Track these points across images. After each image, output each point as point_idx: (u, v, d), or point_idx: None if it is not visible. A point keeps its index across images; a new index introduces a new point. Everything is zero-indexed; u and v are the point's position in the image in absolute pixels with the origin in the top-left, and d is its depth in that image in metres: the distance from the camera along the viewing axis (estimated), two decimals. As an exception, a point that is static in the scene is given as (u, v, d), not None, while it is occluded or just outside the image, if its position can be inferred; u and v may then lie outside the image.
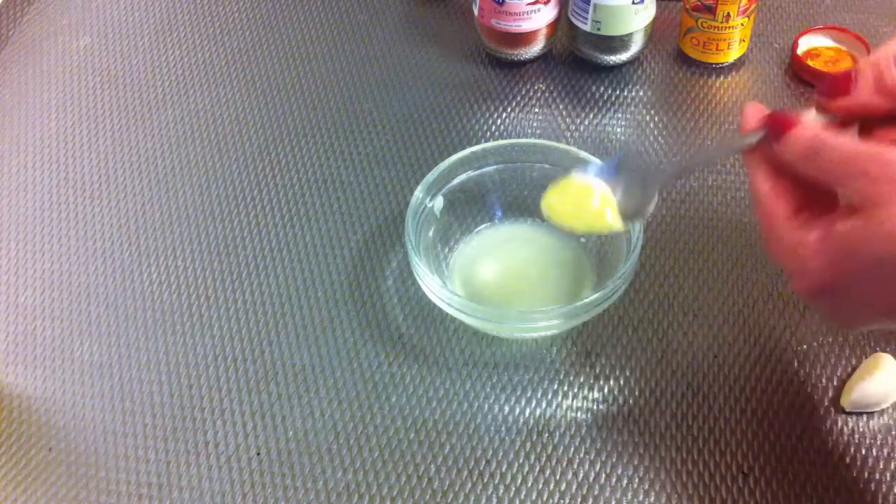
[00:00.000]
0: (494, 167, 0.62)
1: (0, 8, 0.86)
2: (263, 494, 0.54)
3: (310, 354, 0.60)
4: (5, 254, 0.67)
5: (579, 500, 0.53)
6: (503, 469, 0.55)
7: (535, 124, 0.73)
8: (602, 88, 0.75)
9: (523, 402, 0.57)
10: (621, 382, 0.58)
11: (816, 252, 0.41)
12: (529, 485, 0.54)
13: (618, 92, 0.74)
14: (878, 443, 0.54)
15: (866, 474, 0.53)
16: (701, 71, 0.75)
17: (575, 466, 0.54)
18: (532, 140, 0.66)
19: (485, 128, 0.72)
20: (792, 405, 0.56)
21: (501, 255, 0.63)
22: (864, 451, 0.54)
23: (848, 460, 0.54)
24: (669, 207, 0.66)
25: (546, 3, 0.72)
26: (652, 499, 0.53)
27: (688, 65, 0.76)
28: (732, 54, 0.74)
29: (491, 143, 0.62)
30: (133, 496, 0.55)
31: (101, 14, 0.85)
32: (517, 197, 0.63)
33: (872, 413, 0.55)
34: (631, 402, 0.57)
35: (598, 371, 0.58)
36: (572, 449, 0.55)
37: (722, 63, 0.75)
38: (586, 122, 0.72)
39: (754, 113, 0.45)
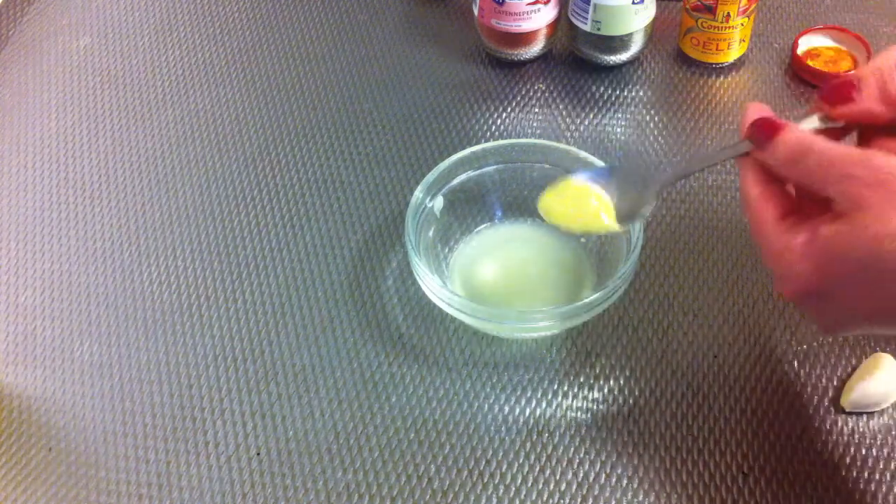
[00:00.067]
0: (494, 167, 0.62)
1: (0, 8, 0.86)
2: (263, 494, 0.54)
3: (310, 354, 0.60)
4: (5, 254, 0.67)
5: (579, 500, 0.53)
6: (503, 469, 0.55)
7: (535, 124, 0.73)
8: (602, 88, 0.75)
9: (523, 402, 0.57)
10: (621, 382, 0.58)
11: (802, 256, 0.41)
12: (529, 485, 0.54)
13: (618, 92, 0.74)
14: (878, 443, 0.54)
15: (866, 474, 0.53)
16: (701, 71, 0.75)
17: (575, 466, 0.54)
18: (532, 140, 0.66)
19: (485, 128, 0.72)
20: (792, 405, 0.56)
21: (501, 255, 0.63)
22: (864, 451, 0.54)
23: (848, 460, 0.54)
24: (669, 207, 0.66)
25: (546, 3, 0.72)
26: (651, 499, 0.53)
27: (688, 65, 0.76)
28: (732, 54, 0.74)
29: (491, 143, 0.62)
30: (133, 496, 0.55)
31: (101, 14, 0.85)
32: (517, 197, 0.63)
33: (872, 413, 0.55)
34: (631, 402, 0.57)
35: (598, 371, 0.58)
36: (572, 449, 0.55)
37: (722, 63, 0.75)
38: (586, 122, 0.72)
39: (754, 113, 0.46)
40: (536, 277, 0.62)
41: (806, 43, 0.75)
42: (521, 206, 0.63)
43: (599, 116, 0.73)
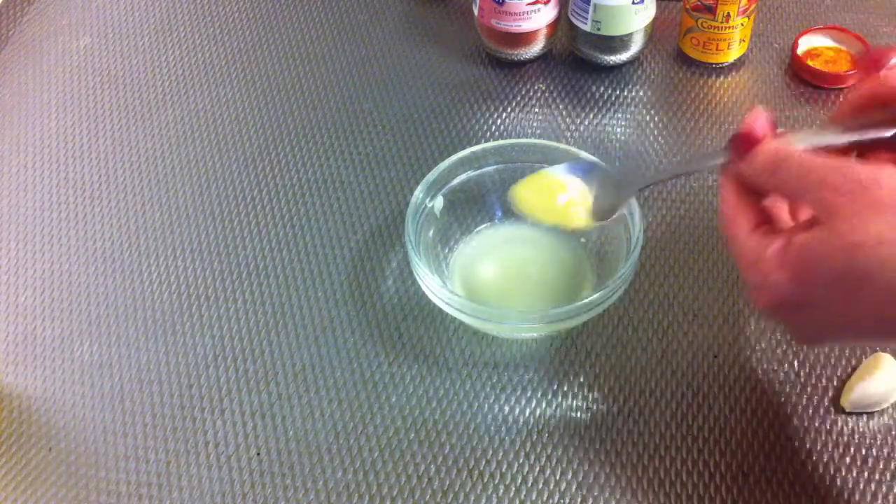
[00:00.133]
0: (494, 167, 0.62)
1: (0, 8, 0.86)
2: (263, 494, 0.54)
3: (310, 354, 0.60)
4: (5, 254, 0.67)
5: (579, 500, 0.53)
6: (503, 469, 0.55)
7: (535, 124, 0.73)
8: (602, 88, 0.75)
9: (523, 402, 0.57)
10: (621, 382, 0.58)
11: (777, 264, 0.41)
12: (529, 485, 0.54)
13: (618, 92, 0.74)
14: (878, 443, 0.54)
15: (866, 474, 0.53)
16: (701, 71, 0.75)
17: (575, 466, 0.54)
18: (532, 140, 0.66)
19: (485, 128, 0.72)
20: (792, 405, 0.56)
21: (501, 255, 0.63)
22: (864, 451, 0.54)
23: (848, 460, 0.54)
24: (669, 207, 0.66)
25: (546, 3, 0.72)
26: (651, 498, 0.53)
27: (688, 65, 0.76)
28: (732, 54, 0.74)
29: (491, 143, 0.62)
30: (133, 496, 0.55)
31: (101, 14, 0.85)
32: (517, 197, 0.63)
33: (872, 413, 0.55)
34: (631, 402, 0.57)
35: (598, 371, 0.58)
36: (572, 449, 0.55)
37: (722, 63, 0.75)
38: (586, 122, 0.72)
39: (752, 120, 0.46)
40: (536, 277, 0.62)
41: (806, 43, 0.75)
42: (521, 206, 0.63)
43: (599, 116, 0.73)
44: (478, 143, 0.67)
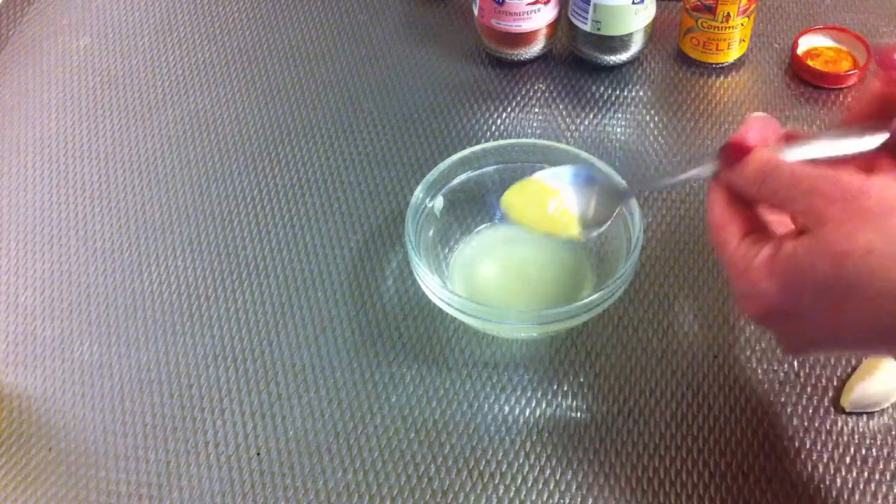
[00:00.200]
0: (494, 167, 0.62)
1: (0, 8, 0.86)
2: (263, 494, 0.54)
3: (310, 354, 0.60)
4: (5, 254, 0.67)
5: (579, 500, 0.53)
6: (503, 469, 0.55)
7: (535, 124, 0.73)
8: (602, 88, 0.75)
9: (523, 402, 0.57)
10: (621, 382, 0.58)
11: (766, 274, 0.41)
12: (529, 485, 0.54)
13: (618, 92, 0.74)
14: (878, 443, 0.54)
15: (866, 474, 0.53)
16: (701, 71, 0.75)
17: (575, 466, 0.54)
18: (532, 140, 0.66)
19: (485, 128, 0.72)
20: (792, 405, 0.56)
21: (501, 255, 0.63)
22: (864, 451, 0.54)
23: (848, 460, 0.54)
24: (669, 207, 0.66)
25: (546, 3, 0.72)
26: (651, 498, 0.53)
27: (688, 65, 0.76)
28: (732, 54, 0.74)
29: (491, 143, 0.62)
30: (133, 496, 0.55)
31: (101, 14, 0.85)
32: (517, 197, 0.63)
33: (872, 413, 0.55)
34: (631, 402, 0.57)
35: (598, 371, 0.58)
36: (572, 449, 0.55)
37: (722, 63, 0.75)
38: (586, 122, 0.72)
39: (744, 130, 0.46)
40: (536, 277, 0.62)
41: (806, 43, 0.75)
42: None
43: (599, 116, 0.73)
44: (478, 143, 0.67)
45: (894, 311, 0.38)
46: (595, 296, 0.53)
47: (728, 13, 0.70)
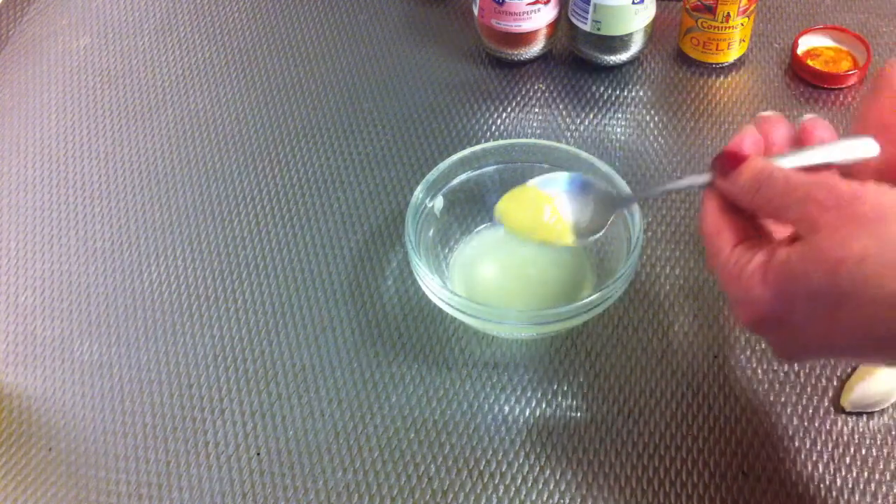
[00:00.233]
0: (494, 167, 0.62)
1: (0, 8, 0.86)
2: (263, 494, 0.54)
3: (310, 354, 0.60)
4: (5, 254, 0.67)
5: (579, 500, 0.53)
6: (503, 469, 0.55)
7: (535, 124, 0.73)
8: (602, 88, 0.75)
9: (523, 402, 0.57)
10: (621, 382, 0.58)
11: (759, 279, 0.41)
12: (529, 485, 0.54)
13: (618, 92, 0.74)
14: (878, 443, 0.54)
15: (866, 474, 0.53)
16: (701, 71, 0.75)
17: (574, 466, 0.54)
18: (532, 140, 0.66)
19: (485, 128, 0.72)
20: (792, 405, 0.56)
21: (501, 255, 0.63)
22: (864, 451, 0.54)
23: (848, 460, 0.54)
24: (669, 208, 0.66)
25: (546, 3, 0.72)
26: (651, 498, 0.53)
27: (688, 65, 0.76)
28: (732, 54, 0.74)
29: (491, 143, 0.62)
30: (133, 496, 0.55)
31: (101, 14, 0.85)
32: (517, 197, 0.63)
33: (872, 413, 0.55)
34: (631, 402, 0.57)
35: (598, 371, 0.58)
36: (572, 449, 0.55)
37: (722, 63, 0.75)
38: (586, 122, 0.72)
39: (739, 139, 0.46)
40: (536, 277, 0.62)
41: (806, 43, 0.75)
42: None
43: (599, 116, 0.73)
44: (478, 143, 0.67)
45: (888, 319, 0.37)
46: (595, 296, 0.53)
47: (728, 13, 0.70)
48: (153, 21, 0.84)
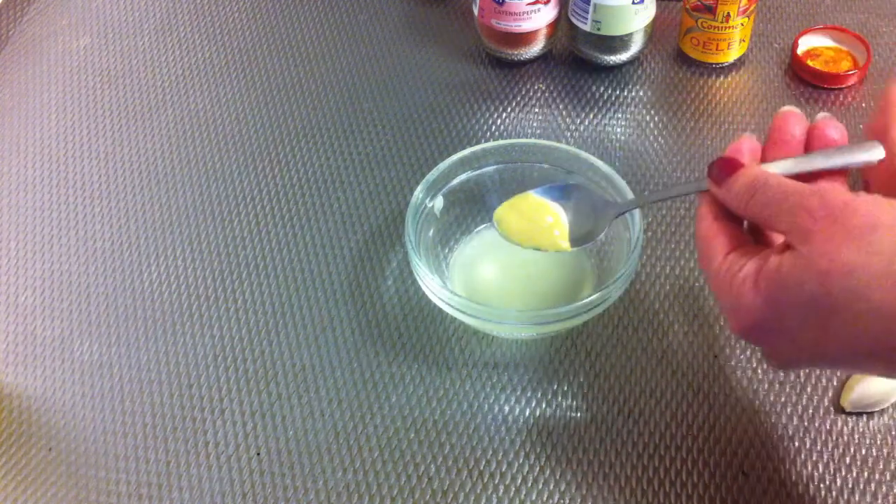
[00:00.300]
0: (494, 167, 0.62)
1: (0, 8, 0.86)
2: (263, 494, 0.54)
3: (310, 354, 0.60)
4: (5, 254, 0.67)
5: (579, 500, 0.53)
6: (503, 469, 0.55)
7: (535, 124, 0.73)
8: (602, 88, 0.75)
9: (523, 402, 0.57)
10: (621, 382, 0.58)
11: (750, 287, 0.41)
12: (529, 485, 0.54)
13: (618, 92, 0.74)
14: (878, 443, 0.54)
15: (866, 474, 0.53)
16: (701, 71, 0.75)
17: (574, 466, 0.54)
18: (532, 140, 0.66)
19: (485, 128, 0.72)
20: (792, 405, 0.56)
21: (501, 255, 0.63)
22: (864, 451, 0.54)
23: (848, 460, 0.54)
24: (670, 207, 0.66)
25: (546, 3, 0.72)
26: (651, 498, 0.53)
27: (688, 65, 0.76)
28: (732, 54, 0.74)
29: (491, 143, 0.62)
30: (133, 496, 0.55)
31: (101, 14, 0.85)
32: (517, 197, 0.63)
33: (872, 413, 0.55)
34: (631, 402, 0.57)
35: (598, 371, 0.58)
36: (572, 449, 0.55)
37: (722, 63, 0.75)
38: (586, 122, 0.72)
39: (736, 146, 0.46)
40: (536, 277, 0.62)
41: (806, 43, 0.75)
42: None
43: (599, 116, 0.73)
44: (478, 143, 0.67)
45: (875, 332, 0.37)
46: (595, 296, 0.53)
47: (728, 13, 0.70)
48: (153, 21, 0.84)
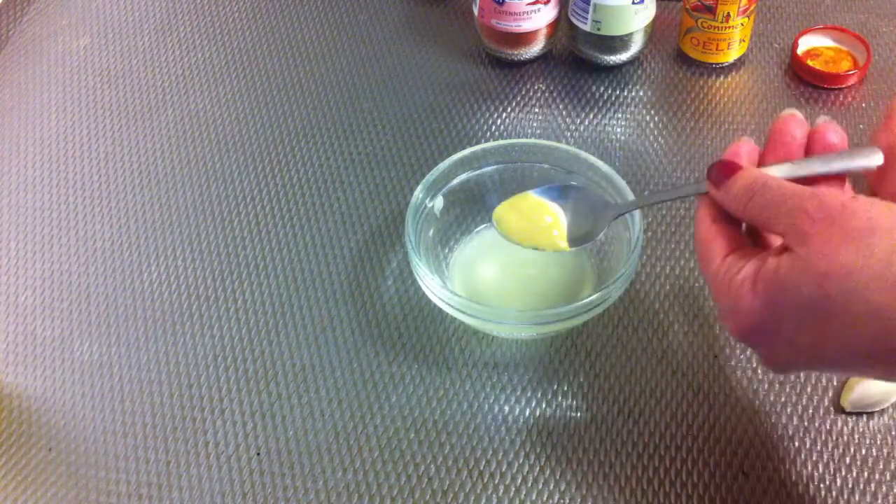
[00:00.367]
0: (494, 167, 0.62)
1: (0, 8, 0.86)
2: (263, 494, 0.54)
3: (310, 354, 0.60)
4: (5, 254, 0.67)
5: (579, 500, 0.53)
6: (503, 469, 0.55)
7: (535, 124, 0.73)
8: (602, 88, 0.75)
9: (523, 402, 0.57)
10: (621, 382, 0.58)
11: (748, 289, 0.41)
12: (529, 485, 0.54)
13: (618, 92, 0.74)
14: (878, 443, 0.54)
15: (866, 474, 0.53)
16: (701, 71, 0.75)
17: (574, 466, 0.54)
18: (532, 140, 0.66)
19: (485, 128, 0.72)
20: (792, 405, 0.56)
21: (501, 255, 0.63)
22: (864, 451, 0.54)
23: (848, 460, 0.54)
24: (670, 207, 0.66)
25: (546, 3, 0.72)
26: (651, 498, 0.53)
27: (688, 65, 0.76)
28: (732, 54, 0.74)
29: (491, 143, 0.62)
30: (133, 496, 0.55)
31: (101, 14, 0.85)
32: (517, 197, 0.63)
33: (872, 413, 0.55)
34: (631, 402, 0.57)
35: (598, 371, 0.58)
36: (572, 449, 0.55)
37: (722, 63, 0.75)
38: (586, 122, 0.72)
39: (735, 149, 0.46)
40: (536, 277, 0.62)
41: (806, 43, 0.75)
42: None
43: (599, 116, 0.73)
44: (478, 143, 0.67)
45: (873, 335, 0.37)
46: (595, 296, 0.53)
47: (728, 13, 0.70)
48: (153, 21, 0.84)
